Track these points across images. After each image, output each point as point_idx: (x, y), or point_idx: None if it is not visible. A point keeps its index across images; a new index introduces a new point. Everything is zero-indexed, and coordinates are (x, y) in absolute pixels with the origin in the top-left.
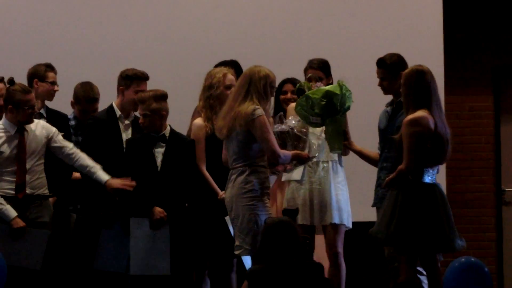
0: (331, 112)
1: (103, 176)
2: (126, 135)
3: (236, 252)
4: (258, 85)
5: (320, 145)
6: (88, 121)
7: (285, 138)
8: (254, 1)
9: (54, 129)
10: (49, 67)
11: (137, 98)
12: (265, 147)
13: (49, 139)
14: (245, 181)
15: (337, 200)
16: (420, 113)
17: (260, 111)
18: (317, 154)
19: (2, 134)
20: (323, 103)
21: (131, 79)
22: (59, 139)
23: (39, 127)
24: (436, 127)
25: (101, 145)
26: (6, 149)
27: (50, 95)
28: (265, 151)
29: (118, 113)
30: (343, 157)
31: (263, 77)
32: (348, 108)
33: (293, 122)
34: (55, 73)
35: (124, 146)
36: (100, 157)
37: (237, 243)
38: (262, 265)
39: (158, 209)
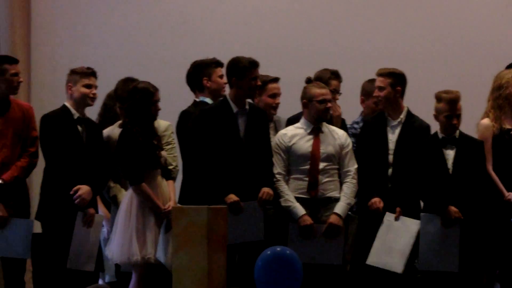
0: None
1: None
2: None
3: None
4: None
5: None
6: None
7: None
8: None
9: (349, 141)
10: (333, 74)
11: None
12: None
13: (342, 147)
14: None
15: None
16: None
17: None
18: None
19: (298, 132)
20: None
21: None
22: (347, 155)
23: (341, 133)
24: None
25: None
26: (300, 147)
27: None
28: None
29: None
30: None
31: None
32: None
33: None
34: (339, 81)
35: None
36: None
37: None
38: None
39: (453, 209)
